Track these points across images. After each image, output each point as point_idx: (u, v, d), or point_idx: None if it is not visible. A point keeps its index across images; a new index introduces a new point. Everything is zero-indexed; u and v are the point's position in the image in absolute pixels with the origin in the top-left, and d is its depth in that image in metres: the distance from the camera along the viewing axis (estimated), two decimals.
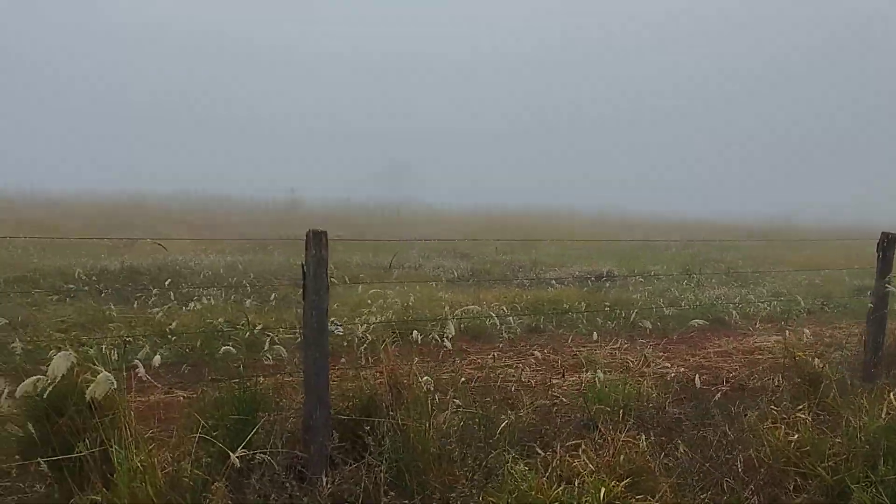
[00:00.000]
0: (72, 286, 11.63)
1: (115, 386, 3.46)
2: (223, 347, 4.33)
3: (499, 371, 7.63)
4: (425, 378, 4.64)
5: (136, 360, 3.78)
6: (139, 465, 3.47)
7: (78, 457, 3.79)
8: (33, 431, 3.76)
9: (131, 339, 7.89)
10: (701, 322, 7.17)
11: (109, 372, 3.56)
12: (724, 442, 4.40)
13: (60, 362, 3.33)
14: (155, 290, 10.82)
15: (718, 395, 5.82)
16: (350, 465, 4.50)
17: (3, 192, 59.11)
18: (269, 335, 8.79)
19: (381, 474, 4.06)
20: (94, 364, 3.88)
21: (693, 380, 6.53)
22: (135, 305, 10.05)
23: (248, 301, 10.57)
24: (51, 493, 3.99)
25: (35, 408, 3.82)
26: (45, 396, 3.49)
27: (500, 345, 9.17)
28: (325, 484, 4.30)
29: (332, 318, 5.19)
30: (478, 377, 7.10)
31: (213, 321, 9.04)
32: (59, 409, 3.81)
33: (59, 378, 3.70)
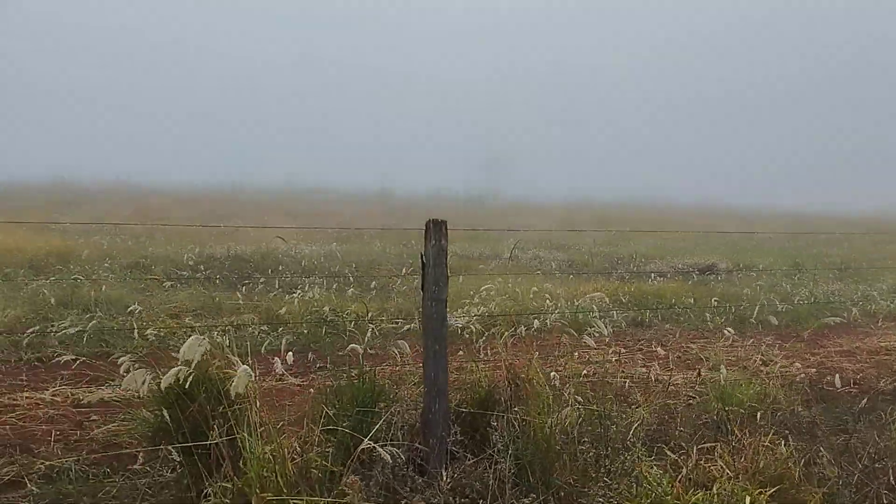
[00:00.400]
0: (184, 273, 12.01)
1: (253, 378, 3.45)
2: (350, 345, 4.26)
3: (608, 366, 7.40)
4: (552, 373, 4.50)
5: (275, 359, 3.76)
6: (269, 454, 3.46)
7: (207, 444, 3.83)
8: (167, 418, 3.80)
9: (250, 325, 8.06)
10: (837, 320, 6.74)
11: (236, 358, 3.56)
12: (873, 450, 4.08)
13: (193, 347, 3.34)
14: (262, 279, 11.05)
15: (862, 400, 5.42)
16: (469, 460, 4.41)
17: (121, 184, 62.13)
18: (371, 325, 8.85)
19: (506, 470, 3.94)
20: (225, 351, 3.90)
21: (820, 381, 6.17)
22: (243, 291, 10.26)
23: (350, 290, 10.65)
24: (180, 478, 4.04)
25: (167, 394, 3.86)
26: (186, 386, 3.51)
27: (607, 338, 8.91)
28: (444, 478, 4.23)
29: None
30: (585, 372, 6.90)
31: (319, 310, 9.13)
32: (189, 396, 3.85)
33: (195, 365, 3.74)
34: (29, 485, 4.18)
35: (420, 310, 9.51)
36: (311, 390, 5.62)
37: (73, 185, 61.84)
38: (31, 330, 7.46)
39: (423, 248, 4.55)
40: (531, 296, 10.09)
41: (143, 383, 3.56)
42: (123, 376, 4.34)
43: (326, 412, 4.01)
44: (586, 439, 4.17)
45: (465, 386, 4.85)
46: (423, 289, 4.56)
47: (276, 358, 3.74)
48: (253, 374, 3.41)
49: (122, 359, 4.01)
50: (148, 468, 4.42)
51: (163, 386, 3.39)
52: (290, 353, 3.78)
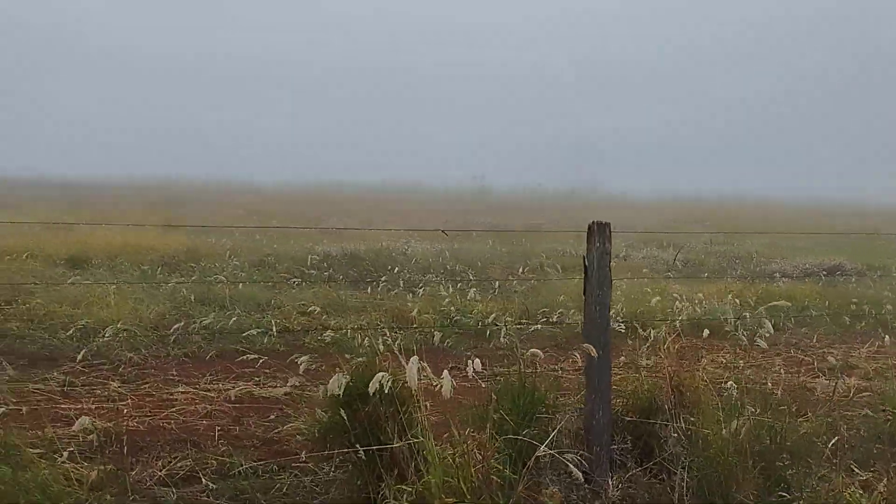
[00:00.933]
0: (312, 271, 12.30)
1: (454, 385, 3.44)
2: (531, 350, 4.22)
3: (748, 372, 7.10)
4: (729, 383, 4.34)
5: (471, 362, 3.75)
6: (451, 458, 3.45)
7: (387, 446, 3.86)
8: (345, 418, 3.85)
9: (378, 324, 8.16)
10: None
11: (418, 361, 3.56)
12: None
13: (413, 370, 3.36)
14: (383, 277, 11.19)
15: None
16: (633, 469, 4.31)
17: (228, 184, 64.60)
18: (497, 325, 8.81)
19: (684, 482, 3.81)
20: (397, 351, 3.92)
21: None
22: (368, 291, 10.43)
23: (472, 290, 10.64)
24: (351, 478, 4.09)
25: (341, 394, 3.91)
26: (386, 392, 3.55)
27: (743, 343, 8.55)
28: (611, 487, 4.14)
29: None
30: (726, 378, 6.63)
31: (446, 309, 9.16)
32: (362, 397, 3.88)
33: (363, 366, 3.77)
34: (204, 480, 4.31)
35: (541, 311, 9.39)
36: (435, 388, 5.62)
37: (182, 184, 64.76)
38: (175, 326, 7.74)
39: (586, 251, 4.46)
40: (659, 297, 9.83)
41: (341, 386, 3.61)
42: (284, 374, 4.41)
43: (492, 416, 3.96)
44: (773, 450, 3.98)
45: (626, 392, 4.73)
46: (584, 293, 4.47)
47: (471, 361, 3.72)
48: (452, 382, 3.40)
49: (301, 358, 4.10)
50: (312, 466, 4.50)
51: (370, 390, 3.43)
52: (477, 359, 3.74)
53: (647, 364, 4.94)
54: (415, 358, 3.33)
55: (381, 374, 3.47)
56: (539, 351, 4.20)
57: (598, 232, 4.40)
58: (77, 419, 4.91)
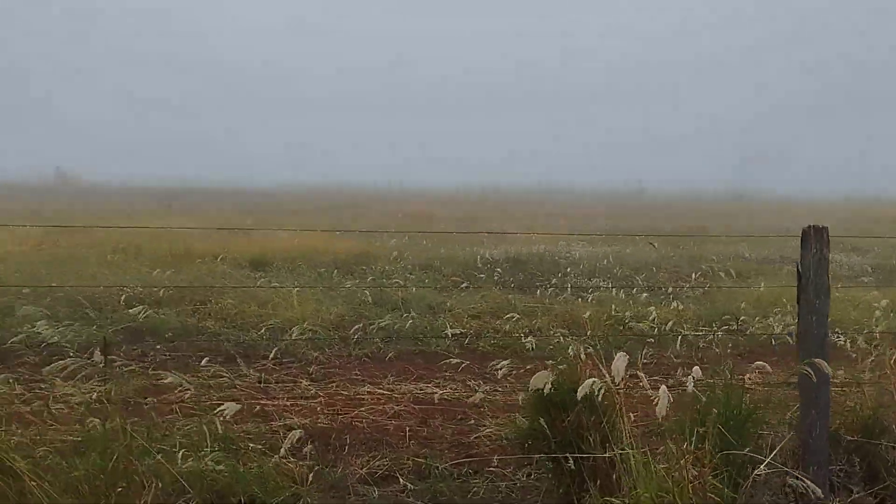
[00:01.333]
0: (481, 275, 12.41)
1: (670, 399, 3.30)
2: (756, 362, 4.00)
3: None
4: None
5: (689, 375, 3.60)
6: (663, 473, 3.30)
7: (577, 454, 3.77)
8: (545, 426, 3.79)
9: (552, 329, 8.08)
10: None
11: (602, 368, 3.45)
12: None
13: (620, 364, 3.27)
14: (553, 280, 11.09)
15: None
16: (858, 493, 3.97)
17: (385, 188, 66.86)
18: (673, 332, 8.48)
19: None
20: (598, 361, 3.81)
21: None
22: (537, 294, 10.36)
23: (644, 295, 10.33)
24: (552, 486, 4.02)
25: (540, 400, 3.86)
26: (598, 399, 3.46)
27: None
28: None
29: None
30: None
31: (620, 314, 8.93)
32: (563, 405, 3.81)
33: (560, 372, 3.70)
34: (402, 480, 4.38)
35: (721, 319, 8.96)
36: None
37: (345, 189, 67.69)
38: (355, 327, 8.00)
39: (800, 258, 4.19)
40: (854, 306, 9.14)
41: (546, 383, 3.57)
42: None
43: (707, 431, 3.75)
44: None
45: (844, 409, 4.37)
46: (798, 301, 4.20)
47: (689, 375, 3.57)
48: (671, 397, 3.26)
49: (501, 363, 4.09)
50: (508, 472, 4.47)
51: (579, 395, 3.36)
52: (697, 367, 3.58)
53: (868, 378, 4.55)
54: (623, 356, 3.21)
55: (591, 379, 3.37)
56: (766, 364, 3.93)
57: (815, 237, 4.12)
58: (279, 417, 5.19)
